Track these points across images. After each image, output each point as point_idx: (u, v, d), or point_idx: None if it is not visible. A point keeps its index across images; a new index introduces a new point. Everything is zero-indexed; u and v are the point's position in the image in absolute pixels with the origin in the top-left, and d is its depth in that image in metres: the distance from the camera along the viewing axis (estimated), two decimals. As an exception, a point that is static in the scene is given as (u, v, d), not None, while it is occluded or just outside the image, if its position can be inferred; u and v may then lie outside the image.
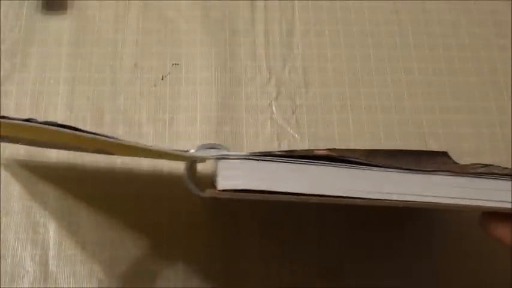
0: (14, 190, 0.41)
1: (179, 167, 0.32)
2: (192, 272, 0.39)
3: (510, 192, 0.27)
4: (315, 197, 0.26)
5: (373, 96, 0.46)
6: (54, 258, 0.39)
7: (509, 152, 0.44)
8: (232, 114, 0.44)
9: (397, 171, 0.26)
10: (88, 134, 0.26)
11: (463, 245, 0.41)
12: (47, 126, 0.26)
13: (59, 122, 0.42)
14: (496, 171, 0.31)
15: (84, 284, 0.38)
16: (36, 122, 0.27)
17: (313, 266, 0.40)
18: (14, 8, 0.47)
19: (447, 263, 0.40)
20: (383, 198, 0.26)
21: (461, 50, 0.48)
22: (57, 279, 0.38)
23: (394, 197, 0.26)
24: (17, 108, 0.43)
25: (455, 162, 0.41)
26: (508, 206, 0.26)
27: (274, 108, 0.45)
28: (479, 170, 0.34)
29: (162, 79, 0.45)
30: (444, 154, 0.42)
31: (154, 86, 0.45)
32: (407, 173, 0.26)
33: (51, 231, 0.40)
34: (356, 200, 0.26)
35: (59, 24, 0.47)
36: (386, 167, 0.26)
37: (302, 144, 0.44)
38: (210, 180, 0.27)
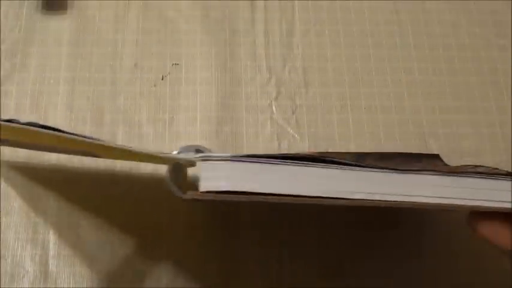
0: (14, 190, 0.41)
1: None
2: (192, 273, 0.39)
3: (498, 191, 0.26)
4: (297, 198, 0.26)
5: (373, 96, 0.46)
6: (54, 258, 0.39)
7: (509, 152, 0.44)
8: (232, 114, 0.44)
9: (381, 171, 0.26)
10: (67, 135, 0.26)
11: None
12: (28, 126, 0.26)
13: (58, 122, 0.43)
14: (488, 172, 0.31)
15: (84, 284, 0.38)
16: (18, 122, 0.27)
17: (313, 266, 0.40)
18: (14, 8, 0.47)
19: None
20: (366, 198, 0.26)
21: (461, 50, 0.48)
22: (57, 279, 0.38)
23: (377, 197, 0.26)
24: (17, 108, 0.43)
25: (446, 165, 0.41)
26: (496, 205, 0.26)
27: (274, 108, 0.45)
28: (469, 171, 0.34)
29: (162, 79, 0.45)
30: (436, 156, 0.42)
31: (154, 86, 0.45)
32: (391, 173, 0.26)
33: (51, 231, 0.40)
34: (339, 200, 0.26)
35: (59, 24, 0.47)
36: (369, 167, 0.26)
37: (302, 144, 0.44)
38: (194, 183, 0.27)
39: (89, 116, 0.44)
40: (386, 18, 0.49)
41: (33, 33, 0.46)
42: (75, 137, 0.26)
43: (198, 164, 0.26)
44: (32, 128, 0.26)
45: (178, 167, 0.29)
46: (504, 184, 0.27)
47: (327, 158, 0.26)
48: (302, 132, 0.44)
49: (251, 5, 0.48)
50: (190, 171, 0.31)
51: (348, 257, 0.40)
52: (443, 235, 0.41)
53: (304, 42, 0.47)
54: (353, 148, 0.44)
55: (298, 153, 0.26)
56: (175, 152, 0.29)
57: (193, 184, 0.25)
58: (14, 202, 0.40)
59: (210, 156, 0.26)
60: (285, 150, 0.43)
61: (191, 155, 0.27)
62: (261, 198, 0.26)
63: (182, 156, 0.28)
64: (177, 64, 0.46)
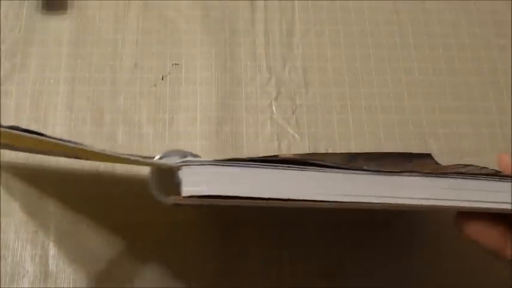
0: (14, 190, 0.41)
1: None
2: (191, 272, 0.39)
3: (481, 191, 0.26)
4: (280, 202, 0.25)
5: (373, 96, 0.46)
6: (54, 258, 0.39)
7: (509, 152, 0.44)
8: (232, 114, 0.44)
9: (362, 174, 0.26)
10: (49, 139, 0.27)
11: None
12: (10, 130, 0.26)
13: (58, 122, 0.43)
14: (474, 172, 0.31)
15: (84, 284, 0.38)
16: (0, 126, 0.27)
17: (313, 266, 0.40)
18: (14, 8, 0.47)
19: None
20: (345, 200, 0.26)
21: (461, 50, 0.48)
22: (57, 279, 0.38)
23: (356, 199, 0.26)
24: (17, 108, 0.43)
25: (437, 163, 0.41)
26: (479, 205, 0.26)
27: (274, 108, 0.45)
28: (459, 171, 0.34)
29: (162, 79, 0.45)
30: (427, 156, 0.42)
31: (154, 86, 0.45)
32: (372, 175, 0.26)
33: (51, 231, 0.40)
34: (322, 203, 0.26)
35: (59, 24, 0.47)
36: (351, 169, 0.26)
37: (302, 144, 0.44)
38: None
39: (89, 116, 0.44)
40: (386, 18, 0.49)
41: (33, 33, 0.46)
42: (57, 141, 0.27)
43: (180, 169, 0.26)
44: (14, 131, 0.26)
45: (161, 172, 0.29)
46: (488, 184, 0.27)
47: (309, 161, 0.26)
48: (302, 132, 0.44)
49: (251, 5, 0.48)
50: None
51: (347, 257, 0.40)
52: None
53: (304, 42, 0.47)
54: (353, 148, 0.44)
55: (278, 156, 0.26)
56: (157, 157, 0.29)
57: (177, 189, 0.25)
58: (14, 202, 0.40)
59: (191, 161, 0.26)
60: (285, 150, 0.43)
61: (173, 160, 0.27)
62: (242, 202, 0.26)
63: (163, 161, 0.28)
64: (177, 64, 0.46)
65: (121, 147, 0.43)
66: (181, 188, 0.25)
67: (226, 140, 0.43)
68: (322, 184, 0.26)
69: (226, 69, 0.46)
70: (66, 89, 0.44)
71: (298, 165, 0.26)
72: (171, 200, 0.27)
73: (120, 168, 0.41)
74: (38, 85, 0.44)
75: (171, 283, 0.39)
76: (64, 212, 0.40)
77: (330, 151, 0.43)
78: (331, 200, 0.26)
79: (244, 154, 0.43)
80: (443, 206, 0.26)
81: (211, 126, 0.44)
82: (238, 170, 0.25)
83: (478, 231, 0.27)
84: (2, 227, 0.39)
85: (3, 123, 0.42)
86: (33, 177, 0.41)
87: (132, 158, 0.28)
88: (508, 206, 0.26)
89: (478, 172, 0.30)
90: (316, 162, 0.26)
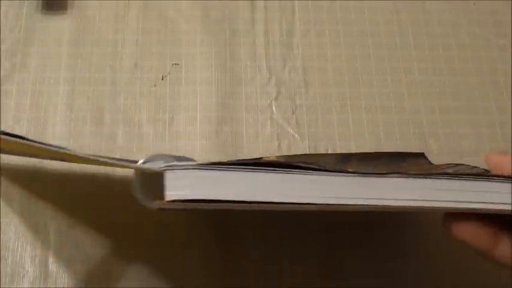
0: (14, 191, 0.41)
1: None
2: (191, 272, 0.39)
3: (469, 192, 0.26)
4: (264, 205, 0.25)
5: (373, 96, 0.46)
6: (54, 258, 0.39)
7: (509, 152, 0.44)
8: (232, 114, 0.44)
9: (347, 176, 0.26)
10: (31, 143, 0.27)
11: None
12: None
13: (58, 122, 0.43)
14: (465, 171, 0.30)
15: (84, 284, 0.38)
16: None
17: (313, 266, 0.40)
18: (14, 8, 0.47)
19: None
20: (331, 203, 0.26)
21: (461, 50, 0.48)
22: (57, 279, 0.38)
23: (341, 202, 0.26)
24: (17, 108, 0.43)
25: (430, 163, 0.41)
26: (470, 206, 0.26)
27: (274, 108, 0.45)
28: (448, 170, 0.34)
29: (162, 79, 0.45)
30: (420, 155, 0.42)
31: (154, 86, 0.45)
32: (357, 176, 0.26)
33: (51, 231, 0.40)
34: (308, 206, 0.26)
35: (59, 24, 0.47)
36: (336, 172, 0.26)
37: (302, 144, 0.44)
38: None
39: (89, 116, 0.44)
40: (386, 18, 0.49)
41: (33, 33, 0.46)
42: (39, 145, 0.27)
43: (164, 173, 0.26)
44: None
45: (145, 176, 0.29)
46: (474, 184, 0.26)
47: (294, 164, 0.26)
48: (302, 132, 0.44)
49: (251, 5, 0.48)
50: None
51: (347, 257, 0.40)
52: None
53: (304, 42, 0.47)
54: (353, 148, 0.44)
55: (262, 159, 0.26)
56: (141, 161, 0.29)
57: (161, 193, 0.25)
58: (14, 203, 0.40)
59: (174, 166, 0.25)
60: (285, 150, 0.43)
61: (157, 164, 0.27)
62: (226, 206, 0.26)
63: (147, 165, 0.28)
64: (177, 64, 0.46)
65: (121, 147, 0.43)
66: (165, 192, 0.25)
67: (226, 140, 0.43)
68: (307, 187, 0.26)
69: (226, 69, 0.46)
70: (66, 89, 0.44)
71: (282, 168, 0.26)
72: (156, 204, 0.27)
73: (118, 169, 0.41)
74: (38, 85, 0.44)
75: (172, 283, 0.39)
76: (64, 212, 0.40)
77: (329, 151, 0.43)
78: (316, 202, 0.25)
79: (244, 154, 0.43)
80: (430, 207, 0.26)
81: (211, 126, 0.44)
82: (221, 173, 0.25)
83: (466, 232, 0.27)
84: (2, 227, 0.39)
85: (3, 123, 0.43)
86: (32, 178, 0.41)
87: (116, 162, 0.28)
88: (496, 206, 0.26)
89: (468, 172, 0.29)
90: (301, 164, 0.26)
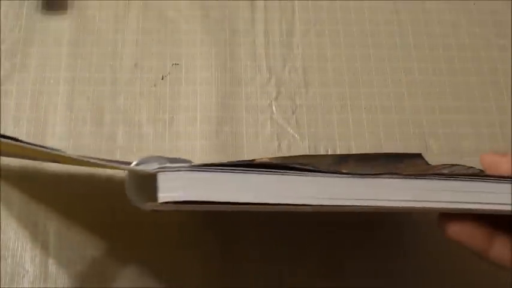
0: (14, 191, 0.41)
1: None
2: (191, 272, 0.39)
3: (462, 192, 0.26)
4: (257, 206, 0.25)
5: (373, 96, 0.46)
6: (54, 258, 0.39)
7: (509, 152, 0.44)
8: (232, 114, 0.44)
9: (342, 177, 0.26)
10: (24, 144, 0.27)
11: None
12: None
13: (58, 122, 0.43)
14: (460, 172, 0.30)
15: (84, 284, 0.38)
16: None
17: (313, 266, 0.40)
18: (14, 8, 0.47)
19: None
20: (325, 204, 0.26)
21: (461, 50, 0.48)
22: (57, 279, 0.38)
23: (336, 203, 0.26)
24: (17, 108, 0.43)
25: (427, 164, 0.41)
26: (464, 206, 0.26)
27: (274, 108, 0.45)
28: (444, 171, 0.34)
29: (162, 79, 0.45)
30: (417, 156, 0.42)
31: (154, 86, 0.45)
32: (351, 177, 0.26)
33: (51, 231, 0.40)
34: (302, 207, 0.26)
35: (59, 24, 0.47)
36: (330, 173, 0.26)
37: (302, 144, 0.44)
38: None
39: (89, 116, 0.44)
40: (386, 18, 0.49)
41: (33, 33, 0.46)
42: (32, 146, 0.27)
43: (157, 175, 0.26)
44: None
45: (138, 178, 0.29)
46: (468, 185, 0.26)
47: (289, 165, 0.26)
48: (302, 132, 0.44)
49: (251, 5, 0.48)
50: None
51: (347, 257, 0.40)
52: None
53: (304, 42, 0.47)
54: (353, 148, 0.44)
55: (255, 161, 0.26)
56: (134, 163, 0.29)
57: (154, 195, 0.25)
58: (14, 203, 0.40)
59: (167, 167, 0.25)
60: (285, 150, 0.43)
61: (150, 166, 0.27)
62: (220, 207, 0.26)
63: (140, 167, 0.28)
64: (177, 64, 0.46)
65: (121, 147, 0.43)
66: (158, 194, 0.25)
67: (226, 140, 0.43)
68: (301, 188, 0.26)
69: (226, 69, 0.46)
70: (66, 89, 0.44)
71: (277, 169, 0.26)
72: (149, 206, 0.27)
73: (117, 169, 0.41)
74: (38, 85, 0.44)
75: (171, 284, 0.39)
76: (64, 211, 0.40)
77: (329, 151, 0.43)
78: (310, 203, 0.25)
79: (244, 154, 0.43)
80: (424, 207, 0.26)
81: (211, 126, 0.44)
82: (214, 175, 0.25)
83: (461, 232, 0.27)
84: (2, 227, 0.39)
85: (3, 123, 0.43)
86: (33, 178, 0.41)
87: (109, 163, 0.28)
88: (491, 207, 0.26)
89: (463, 172, 0.29)
90: (296, 166, 0.26)
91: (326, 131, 0.44)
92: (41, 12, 0.47)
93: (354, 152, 0.43)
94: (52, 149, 0.27)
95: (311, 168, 0.26)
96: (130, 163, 0.29)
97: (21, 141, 0.27)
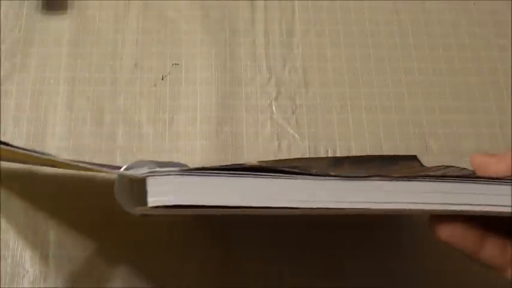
0: (14, 191, 0.41)
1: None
2: (191, 272, 0.39)
3: (452, 194, 0.26)
4: (248, 209, 0.25)
5: (373, 96, 0.46)
6: (54, 258, 0.39)
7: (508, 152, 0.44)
8: (232, 114, 0.44)
9: (331, 180, 0.26)
10: (15, 149, 0.27)
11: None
12: None
13: (58, 122, 0.43)
14: (454, 173, 0.30)
15: (84, 284, 0.38)
16: None
17: (313, 266, 0.40)
18: (14, 8, 0.47)
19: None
20: (315, 206, 0.25)
21: (461, 50, 0.48)
22: (57, 279, 0.38)
23: (326, 205, 0.26)
24: (17, 108, 0.43)
25: (422, 165, 0.41)
26: (453, 208, 0.26)
27: (274, 108, 0.45)
28: (438, 173, 0.34)
29: (162, 79, 0.45)
30: (413, 158, 0.42)
31: (154, 86, 0.45)
32: (341, 180, 0.26)
33: (51, 231, 0.40)
34: (292, 210, 0.26)
35: (59, 24, 0.47)
36: (320, 175, 0.26)
37: (302, 144, 0.44)
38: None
39: (89, 116, 0.44)
40: (386, 18, 0.49)
41: (33, 33, 0.46)
42: (24, 151, 0.27)
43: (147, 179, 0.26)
44: None
45: (128, 182, 0.29)
46: (458, 186, 0.26)
47: (278, 168, 0.26)
48: (302, 132, 0.44)
49: (251, 5, 0.48)
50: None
51: (347, 257, 0.40)
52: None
53: (304, 42, 0.47)
54: (353, 148, 0.44)
55: (245, 164, 0.26)
56: (124, 167, 0.29)
57: (143, 200, 0.25)
58: (14, 203, 0.40)
59: (156, 172, 0.25)
60: (285, 150, 0.43)
61: (139, 171, 0.27)
62: (210, 211, 0.26)
63: (129, 172, 0.28)
64: (177, 64, 0.46)
65: (121, 147, 0.43)
66: (147, 199, 0.25)
67: (226, 140, 0.43)
68: (291, 191, 0.26)
69: (226, 69, 0.46)
70: (66, 89, 0.44)
71: (266, 172, 0.26)
72: (138, 210, 0.27)
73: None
74: (38, 85, 0.44)
75: (170, 283, 0.39)
76: (64, 211, 0.40)
77: (329, 151, 0.43)
78: (299, 206, 0.25)
79: (244, 154, 0.43)
80: (414, 209, 0.26)
81: (211, 126, 0.44)
82: (204, 179, 0.25)
83: (452, 234, 0.27)
84: (2, 227, 0.39)
85: (3, 123, 0.43)
86: (33, 178, 0.41)
87: (99, 168, 0.28)
88: (481, 208, 0.26)
89: (456, 174, 0.29)
90: (285, 169, 0.26)
91: (326, 131, 0.44)
92: (41, 12, 0.47)
93: (354, 152, 0.43)
94: (43, 153, 0.27)
95: (299, 171, 0.26)
96: (120, 167, 0.29)
97: (12, 145, 0.27)
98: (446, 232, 0.27)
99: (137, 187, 0.26)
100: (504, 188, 0.26)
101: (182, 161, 0.42)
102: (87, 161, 0.42)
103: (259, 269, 0.39)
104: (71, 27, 0.47)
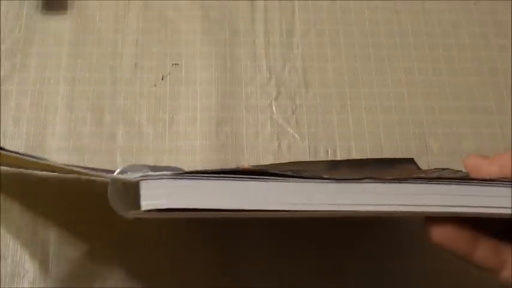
0: (14, 191, 0.41)
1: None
2: (191, 272, 0.39)
3: (445, 196, 0.26)
4: (241, 212, 0.25)
5: (373, 96, 0.46)
6: (54, 258, 0.39)
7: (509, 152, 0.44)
8: (232, 114, 0.44)
9: (323, 182, 0.26)
10: (7, 153, 0.27)
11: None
12: None
13: (58, 122, 0.43)
14: (449, 175, 0.30)
15: (85, 284, 0.38)
16: None
17: (313, 266, 0.40)
18: (14, 8, 0.47)
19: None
20: (308, 209, 0.25)
21: (461, 50, 0.48)
22: (57, 279, 0.38)
23: (318, 208, 0.26)
24: (17, 108, 0.43)
25: (419, 168, 0.41)
26: (447, 210, 0.26)
27: (274, 108, 0.45)
28: (433, 175, 0.33)
29: (162, 79, 0.45)
30: (410, 161, 0.42)
31: (154, 86, 0.45)
32: (332, 183, 0.26)
33: (51, 231, 0.40)
34: (283, 213, 0.26)
35: (59, 24, 0.47)
36: (311, 178, 0.26)
37: (302, 144, 0.44)
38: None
39: (89, 116, 0.44)
40: (386, 18, 0.49)
41: (33, 33, 0.46)
42: (19, 156, 0.27)
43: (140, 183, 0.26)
44: None
45: (121, 186, 0.29)
46: (451, 188, 0.26)
47: (269, 171, 0.26)
48: (302, 132, 0.44)
49: (251, 5, 0.48)
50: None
51: (347, 257, 0.40)
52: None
53: (304, 42, 0.47)
54: (353, 148, 0.44)
55: (238, 168, 0.26)
56: (117, 171, 0.29)
57: (137, 203, 0.25)
58: (14, 203, 0.40)
59: (149, 175, 0.25)
60: (285, 150, 0.43)
61: (132, 175, 0.27)
62: (204, 214, 0.26)
63: (122, 176, 0.28)
64: (177, 64, 0.46)
65: (121, 147, 0.43)
66: (140, 202, 0.25)
67: (226, 140, 0.43)
68: (283, 194, 0.26)
69: (226, 69, 0.46)
70: (66, 89, 0.44)
71: (259, 175, 0.26)
72: (132, 214, 0.27)
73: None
74: (38, 85, 0.44)
75: (170, 284, 0.39)
76: (64, 211, 0.40)
77: (329, 151, 0.43)
78: (290, 209, 0.25)
79: (244, 154, 0.43)
80: (407, 212, 0.26)
81: (211, 126, 0.44)
82: (196, 182, 0.25)
83: (444, 236, 0.27)
84: (2, 227, 0.39)
85: (3, 123, 0.43)
86: (33, 178, 0.41)
87: (93, 172, 0.28)
88: (474, 210, 0.26)
89: (452, 176, 0.29)
90: (277, 172, 0.26)
91: (326, 131, 0.44)
92: (41, 12, 0.47)
93: (353, 152, 0.43)
94: (37, 157, 0.27)
95: (292, 174, 0.26)
96: (113, 171, 0.29)
97: (5, 149, 0.27)
98: (439, 234, 0.27)
99: (131, 191, 0.26)
100: (496, 190, 0.26)
101: (182, 161, 0.42)
102: (87, 161, 0.42)
103: (259, 269, 0.39)
104: (71, 27, 0.47)
